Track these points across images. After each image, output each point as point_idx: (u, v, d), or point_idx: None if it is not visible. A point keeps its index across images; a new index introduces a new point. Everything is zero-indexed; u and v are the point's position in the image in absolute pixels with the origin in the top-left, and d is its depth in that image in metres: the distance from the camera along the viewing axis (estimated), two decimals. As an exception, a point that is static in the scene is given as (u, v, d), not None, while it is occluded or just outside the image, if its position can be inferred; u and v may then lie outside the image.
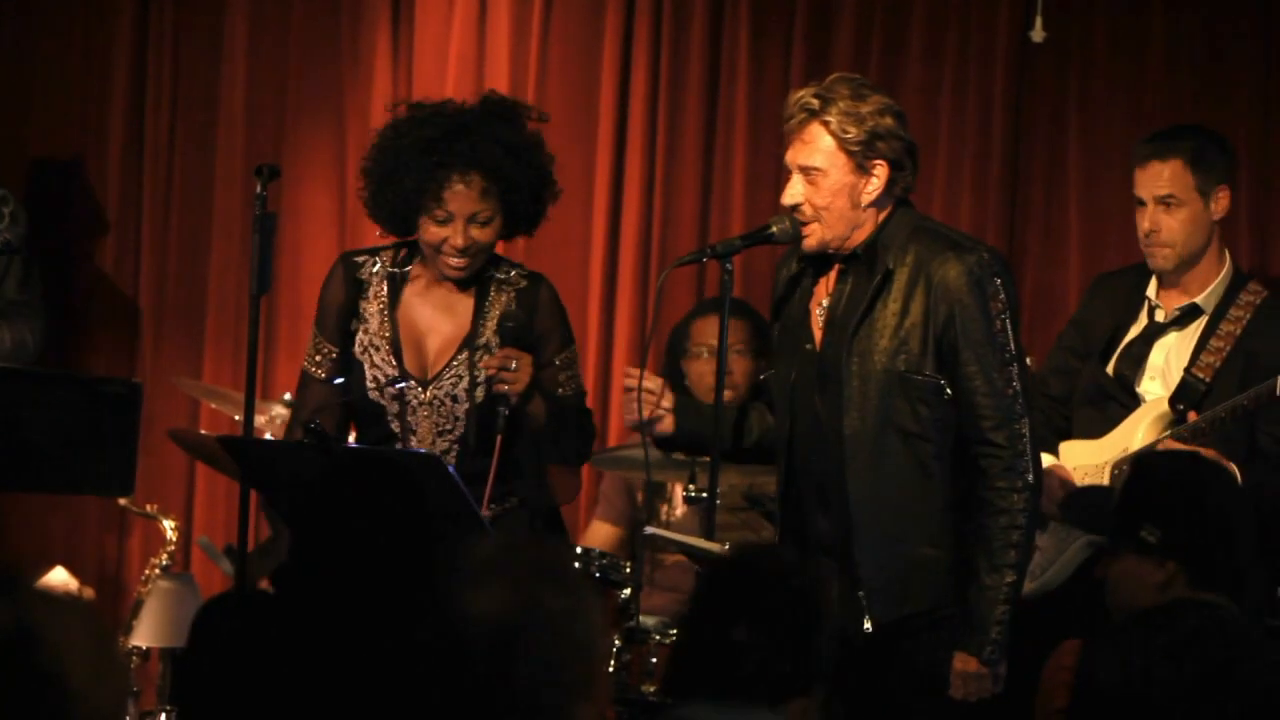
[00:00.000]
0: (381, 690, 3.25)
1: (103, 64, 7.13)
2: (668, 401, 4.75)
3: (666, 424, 4.76)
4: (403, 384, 4.92)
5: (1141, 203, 5.28)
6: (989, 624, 4.47)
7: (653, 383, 4.75)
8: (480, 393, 4.91)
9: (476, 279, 4.98)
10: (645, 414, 4.70)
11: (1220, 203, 5.26)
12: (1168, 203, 5.23)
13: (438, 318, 4.99)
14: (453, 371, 4.93)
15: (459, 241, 4.86)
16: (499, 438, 4.81)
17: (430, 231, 4.88)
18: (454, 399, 4.92)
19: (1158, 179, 5.25)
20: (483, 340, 4.95)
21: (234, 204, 6.99)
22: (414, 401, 4.93)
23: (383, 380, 4.94)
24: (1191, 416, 5.08)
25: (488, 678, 2.72)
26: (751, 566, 3.35)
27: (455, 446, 4.91)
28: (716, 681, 3.20)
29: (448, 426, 4.91)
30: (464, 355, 4.94)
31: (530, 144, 4.97)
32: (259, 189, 4.93)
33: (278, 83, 7.03)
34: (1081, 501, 4.84)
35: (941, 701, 4.53)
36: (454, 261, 4.89)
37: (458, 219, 4.86)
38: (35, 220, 6.81)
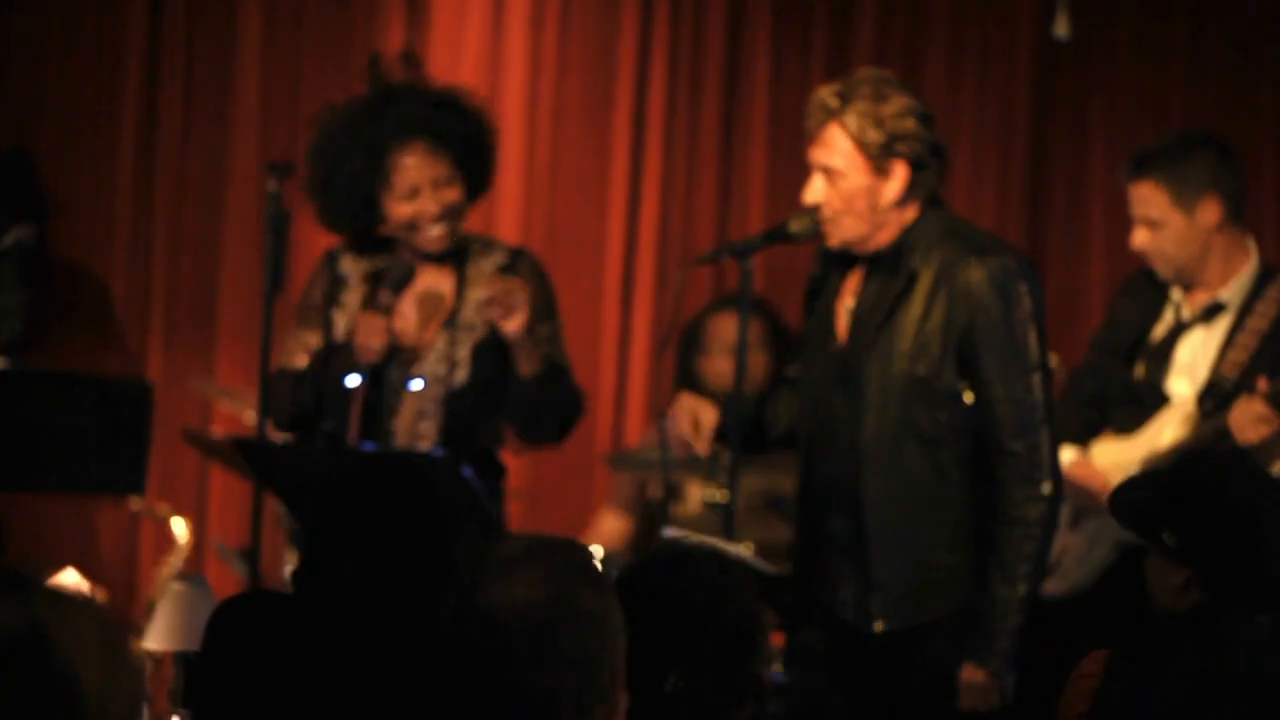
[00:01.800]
0: (397, 692, 3.23)
1: (115, 61, 7.12)
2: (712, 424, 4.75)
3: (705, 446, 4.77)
4: (355, 380, 4.86)
5: None
6: (998, 635, 4.43)
7: (707, 415, 4.73)
8: (462, 374, 4.88)
9: (456, 259, 4.94)
10: (704, 450, 4.73)
11: (1208, 212, 5.21)
12: (1149, 224, 5.23)
13: (418, 300, 4.96)
14: (436, 353, 4.90)
15: (434, 209, 4.84)
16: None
17: (399, 212, 4.85)
18: (438, 377, 4.88)
19: (1135, 201, 5.28)
20: (465, 320, 4.92)
21: (247, 202, 6.97)
22: (396, 381, 4.89)
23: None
24: (1262, 385, 5.02)
25: (518, 665, 2.71)
26: (682, 602, 3.19)
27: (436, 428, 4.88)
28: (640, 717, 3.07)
29: (429, 408, 4.88)
30: (445, 336, 4.91)
31: (454, 94, 4.97)
32: (272, 187, 4.91)
33: (291, 80, 7.03)
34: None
35: (958, 707, 4.50)
36: (434, 232, 4.86)
37: (423, 188, 4.83)
38: (46, 218, 6.79)
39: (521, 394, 4.89)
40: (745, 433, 4.74)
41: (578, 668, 2.71)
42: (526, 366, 4.86)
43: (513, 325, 4.79)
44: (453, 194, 4.87)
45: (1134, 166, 5.28)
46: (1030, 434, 4.45)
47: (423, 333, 4.93)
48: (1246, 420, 4.97)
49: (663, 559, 3.37)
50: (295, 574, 3.61)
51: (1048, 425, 4.47)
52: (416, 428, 4.87)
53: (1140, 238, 5.27)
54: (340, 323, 4.95)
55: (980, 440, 4.48)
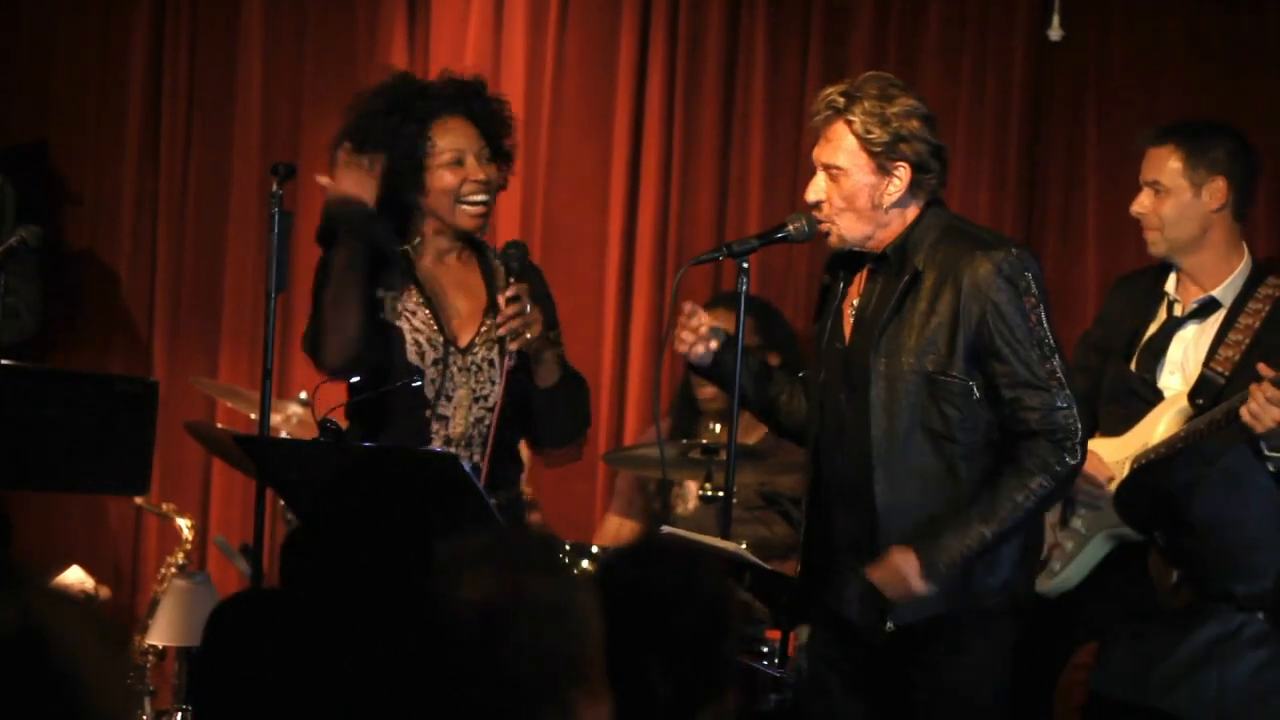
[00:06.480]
0: (390, 688, 3.25)
1: (119, 63, 7.15)
2: (707, 330, 4.73)
3: (703, 350, 4.73)
4: (418, 382, 4.90)
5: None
6: (944, 551, 4.43)
7: (699, 319, 4.74)
8: (511, 359, 4.90)
9: (478, 257, 4.97)
10: (686, 347, 4.73)
11: (1215, 195, 5.26)
12: (1156, 188, 5.27)
13: (454, 291, 4.98)
14: (485, 338, 4.92)
15: (479, 175, 4.88)
16: (495, 412, 4.82)
17: (444, 180, 4.86)
18: (491, 364, 4.90)
19: (1149, 165, 5.33)
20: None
21: (250, 203, 7.00)
22: (453, 367, 4.90)
23: (423, 345, 4.90)
24: (1265, 370, 5.03)
25: (474, 664, 2.73)
26: (654, 590, 3.22)
27: (489, 414, 4.89)
28: (622, 707, 3.10)
29: (484, 392, 4.89)
30: (490, 322, 4.93)
31: (478, 82, 5.01)
32: (275, 188, 4.93)
33: (294, 81, 7.05)
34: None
35: (961, 705, 4.52)
36: (477, 198, 4.88)
37: (467, 155, 4.87)
38: (51, 218, 6.82)
39: (545, 403, 4.92)
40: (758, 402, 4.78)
41: (541, 658, 2.73)
42: (549, 376, 4.88)
43: (532, 335, 4.81)
44: (493, 170, 4.92)
45: (1157, 132, 5.35)
46: (1057, 414, 4.46)
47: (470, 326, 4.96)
48: (1260, 408, 4.98)
49: (633, 551, 3.41)
50: (297, 570, 3.62)
51: (1075, 405, 4.47)
52: (472, 411, 4.90)
53: (1143, 202, 5.31)
54: (385, 300, 4.96)
55: (1006, 430, 4.48)
